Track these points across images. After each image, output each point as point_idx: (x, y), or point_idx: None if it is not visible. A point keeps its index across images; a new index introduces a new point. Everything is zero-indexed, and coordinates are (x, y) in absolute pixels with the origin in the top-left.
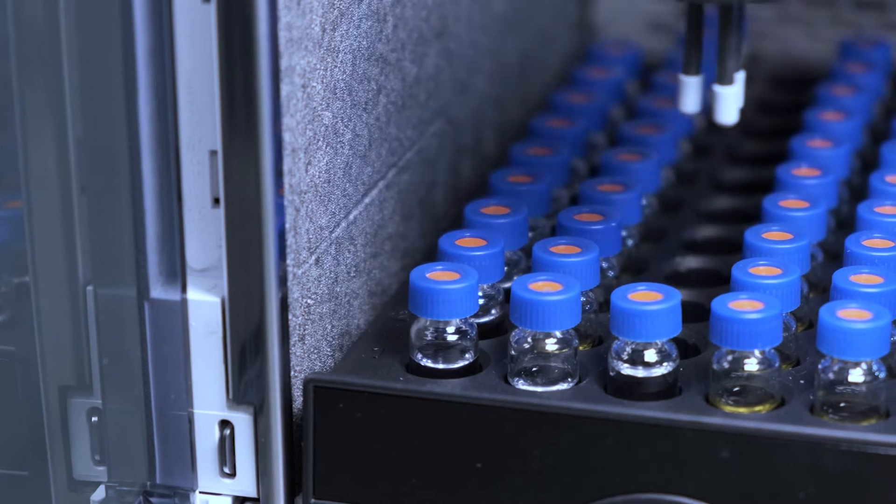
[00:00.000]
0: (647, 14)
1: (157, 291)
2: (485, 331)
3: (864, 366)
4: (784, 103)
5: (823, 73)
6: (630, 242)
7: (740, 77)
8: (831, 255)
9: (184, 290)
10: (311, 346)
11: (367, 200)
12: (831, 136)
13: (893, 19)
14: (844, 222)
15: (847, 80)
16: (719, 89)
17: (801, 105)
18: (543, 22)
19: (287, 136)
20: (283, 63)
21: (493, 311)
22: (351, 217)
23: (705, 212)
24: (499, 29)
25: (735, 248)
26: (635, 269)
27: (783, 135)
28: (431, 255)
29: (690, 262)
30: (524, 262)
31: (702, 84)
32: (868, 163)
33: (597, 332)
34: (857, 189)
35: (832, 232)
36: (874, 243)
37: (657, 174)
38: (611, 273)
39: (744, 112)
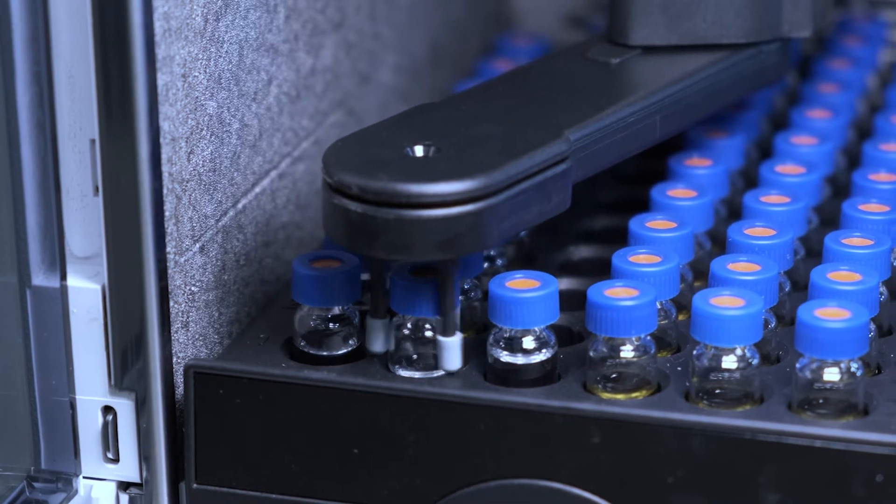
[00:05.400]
0: (564, 7)
1: (39, 279)
2: None
3: (737, 352)
4: None
5: None
6: (522, 232)
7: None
8: (723, 244)
9: (63, 277)
10: (196, 333)
11: (257, 190)
12: (727, 127)
13: None
14: (738, 212)
15: None
16: (443, 340)
17: None
18: (456, 14)
19: (166, 126)
20: (161, 53)
21: None
22: (240, 206)
23: (604, 203)
24: (406, 21)
25: None
26: (527, 258)
27: None
28: None
29: (584, 252)
30: None
31: (389, 324)
32: (767, 153)
33: (482, 320)
34: (754, 179)
35: (724, 221)
36: (756, 231)
37: None
38: (499, 262)
39: None
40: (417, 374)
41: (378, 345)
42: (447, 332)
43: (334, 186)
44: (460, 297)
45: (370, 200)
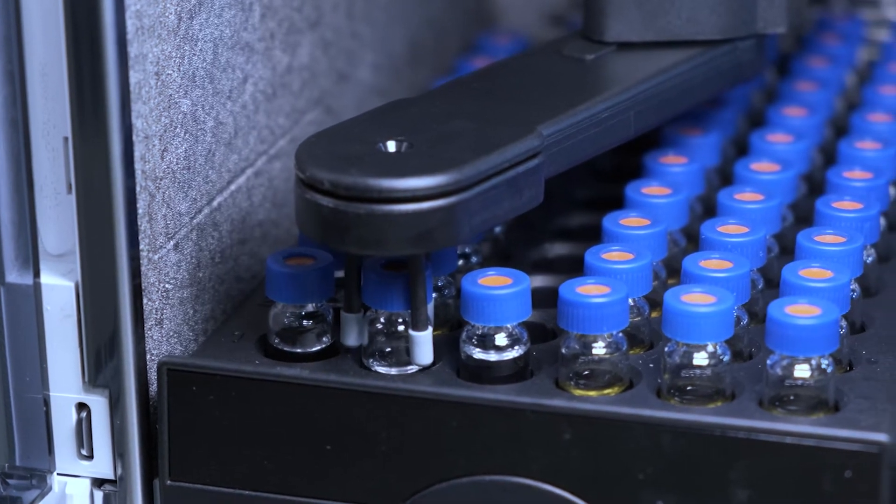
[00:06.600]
0: (544, 5)
1: (13, 276)
2: None
3: (708, 349)
4: None
5: None
6: (497, 229)
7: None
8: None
9: (37, 274)
10: (170, 330)
11: (232, 187)
12: (703, 125)
13: None
14: (714, 209)
15: None
16: (414, 334)
17: None
18: (435, 12)
19: (139, 123)
20: (133, 51)
21: None
22: (215, 203)
23: (581, 199)
24: (384, 19)
25: None
26: (503, 255)
27: None
28: None
29: (559, 250)
30: None
31: (363, 319)
32: (744, 151)
33: (455, 318)
34: (731, 177)
35: (699, 219)
36: (729, 229)
37: None
38: (474, 259)
39: None
40: (391, 370)
41: (352, 339)
42: (418, 326)
43: (307, 182)
44: (434, 295)
45: (342, 195)
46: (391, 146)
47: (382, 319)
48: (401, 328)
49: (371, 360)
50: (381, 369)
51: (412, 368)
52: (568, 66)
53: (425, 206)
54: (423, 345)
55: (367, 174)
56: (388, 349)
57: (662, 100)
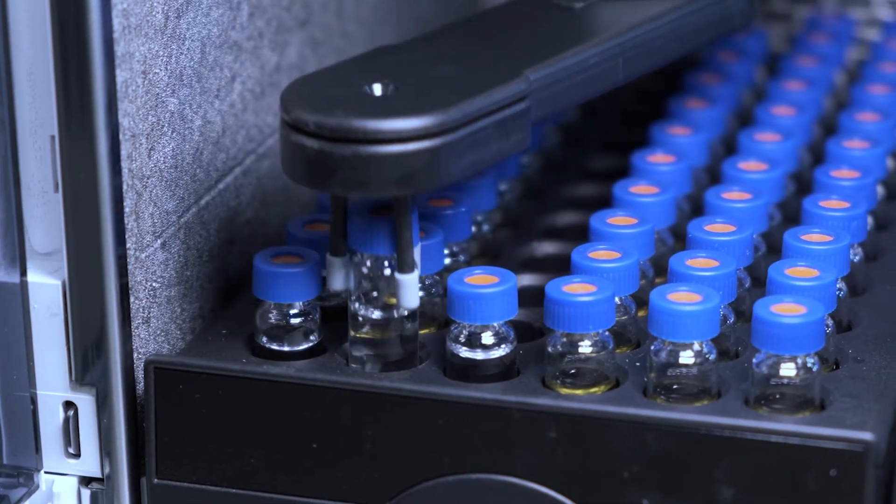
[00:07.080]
0: None
1: (0, 274)
2: (338, 313)
3: (694, 347)
4: (662, 91)
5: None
6: (486, 228)
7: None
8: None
9: (24, 273)
10: (157, 328)
11: (220, 186)
12: (692, 124)
13: (773, 9)
14: (702, 208)
15: (717, 68)
16: (400, 277)
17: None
18: (425, 11)
19: (126, 122)
20: (120, 50)
21: (343, 295)
22: (203, 202)
23: (570, 198)
24: (374, 18)
25: None
26: (491, 254)
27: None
28: None
29: (547, 248)
30: None
31: (348, 263)
32: (733, 150)
33: (443, 316)
34: (719, 176)
35: (687, 218)
36: (716, 228)
37: (516, 160)
38: (462, 258)
39: (622, 99)
40: (377, 313)
41: (338, 283)
42: (404, 269)
43: (291, 124)
44: (421, 293)
45: (327, 137)
46: (377, 89)
47: (368, 263)
48: (387, 272)
49: (357, 305)
50: (368, 314)
51: (399, 312)
52: (557, 13)
53: (410, 148)
54: (410, 288)
55: (352, 115)
56: (375, 294)
57: (651, 48)
